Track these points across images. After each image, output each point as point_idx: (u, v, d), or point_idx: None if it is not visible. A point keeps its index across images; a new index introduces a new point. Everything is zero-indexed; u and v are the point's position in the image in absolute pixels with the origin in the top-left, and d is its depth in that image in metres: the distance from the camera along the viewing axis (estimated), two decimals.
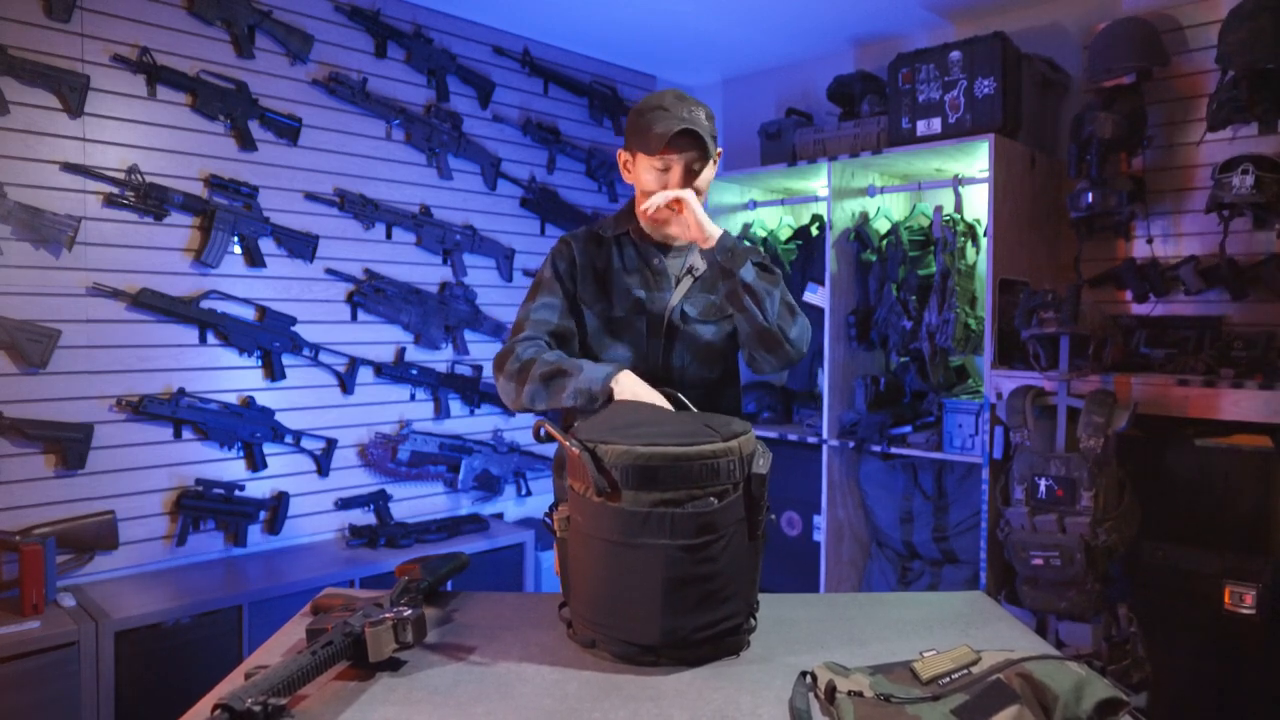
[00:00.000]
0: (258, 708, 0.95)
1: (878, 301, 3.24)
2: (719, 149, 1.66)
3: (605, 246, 1.69)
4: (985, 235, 2.96)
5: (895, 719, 1.02)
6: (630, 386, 1.44)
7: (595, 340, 1.66)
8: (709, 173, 1.61)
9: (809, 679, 1.14)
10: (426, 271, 3.49)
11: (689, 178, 1.57)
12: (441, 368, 3.54)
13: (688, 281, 1.66)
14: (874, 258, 3.26)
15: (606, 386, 1.43)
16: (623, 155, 1.65)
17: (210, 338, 2.90)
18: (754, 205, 3.81)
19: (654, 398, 1.44)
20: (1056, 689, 1.01)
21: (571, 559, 1.30)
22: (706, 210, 1.64)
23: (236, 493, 2.96)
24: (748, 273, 1.53)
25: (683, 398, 1.49)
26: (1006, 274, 2.87)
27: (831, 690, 1.08)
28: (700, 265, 1.66)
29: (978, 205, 3.17)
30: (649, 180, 1.58)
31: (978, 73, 2.91)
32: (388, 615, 1.17)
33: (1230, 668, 2.39)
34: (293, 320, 3.08)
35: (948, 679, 1.08)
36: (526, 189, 3.81)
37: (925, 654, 1.15)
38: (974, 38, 2.94)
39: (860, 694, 1.07)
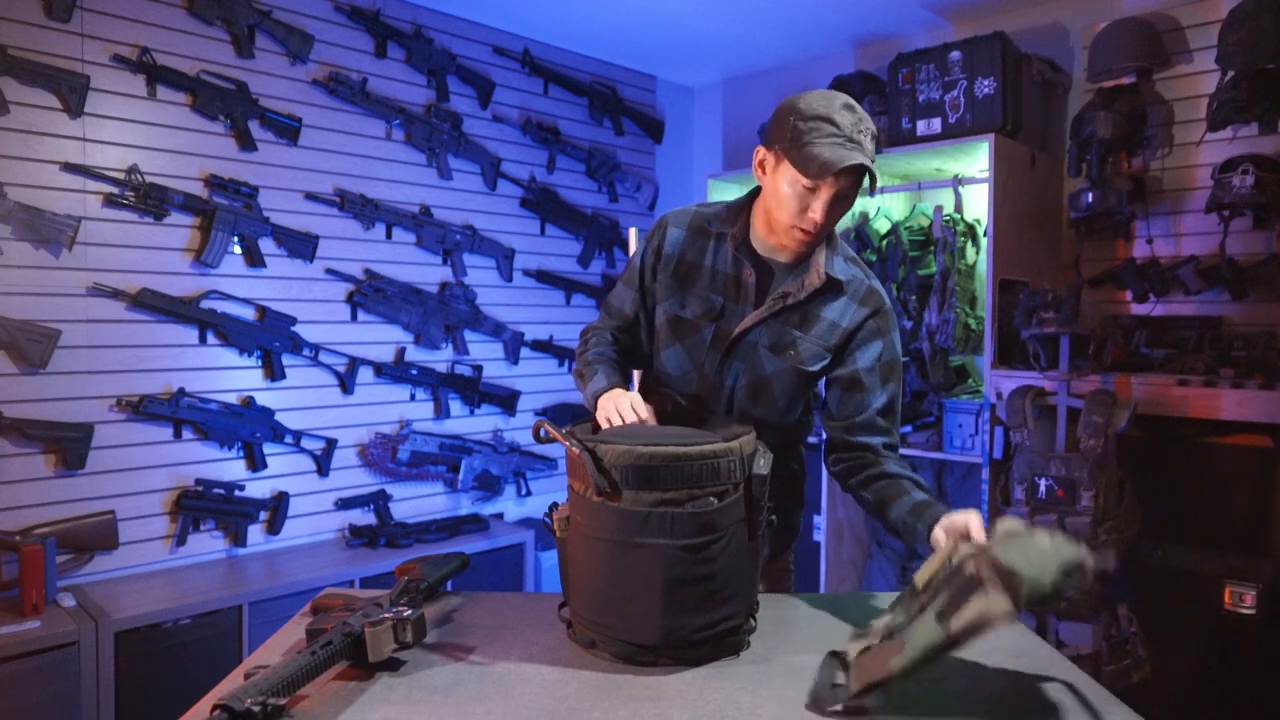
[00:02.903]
0: (257, 708, 0.95)
1: None
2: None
3: (704, 239, 1.53)
4: (985, 235, 2.96)
5: (885, 653, 1.05)
6: (611, 400, 1.40)
7: (661, 335, 1.55)
8: (853, 200, 1.43)
9: (835, 659, 1.15)
10: (426, 271, 3.49)
11: (839, 204, 1.39)
12: (441, 368, 3.54)
13: (773, 306, 1.46)
14: (874, 258, 3.26)
15: (594, 402, 1.44)
16: (761, 153, 1.44)
17: (210, 338, 2.90)
18: None
19: (634, 407, 1.36)
20: (1022, 571, 1.02)
21: (571, 559, 1.30)
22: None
23: (236, 493, 2.96)
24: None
25: (680, 399, 1.48)
26: (1006, 274, 2.87)
27: (845, 660, 1.11)
28: (797, 294, 1.45)
29: (978, 205, 3.17)
30: (790, 195, 1.38)
31: (978, 73, 2.90)
32: (387, 615, 1.17)
33: (1230, 668, 2.39)
34: (293, 320, 3.08)
35: (935, 579, 1.11)
36: (526, 189, 3.81)
37: (912, 566, 1.17)
38: (974, 38, 2.94)
39: (868, 647, 1.09)
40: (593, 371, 1.50)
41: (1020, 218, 2.95)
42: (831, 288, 1.47)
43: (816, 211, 1.38)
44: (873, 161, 1.36)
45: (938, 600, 1.06)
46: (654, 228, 1.57)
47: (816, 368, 1.49)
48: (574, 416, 3.94)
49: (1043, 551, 1.05)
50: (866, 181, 1.38)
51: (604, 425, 1.35)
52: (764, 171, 1.44)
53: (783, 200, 1.40)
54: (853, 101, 1.39)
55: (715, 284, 1.51)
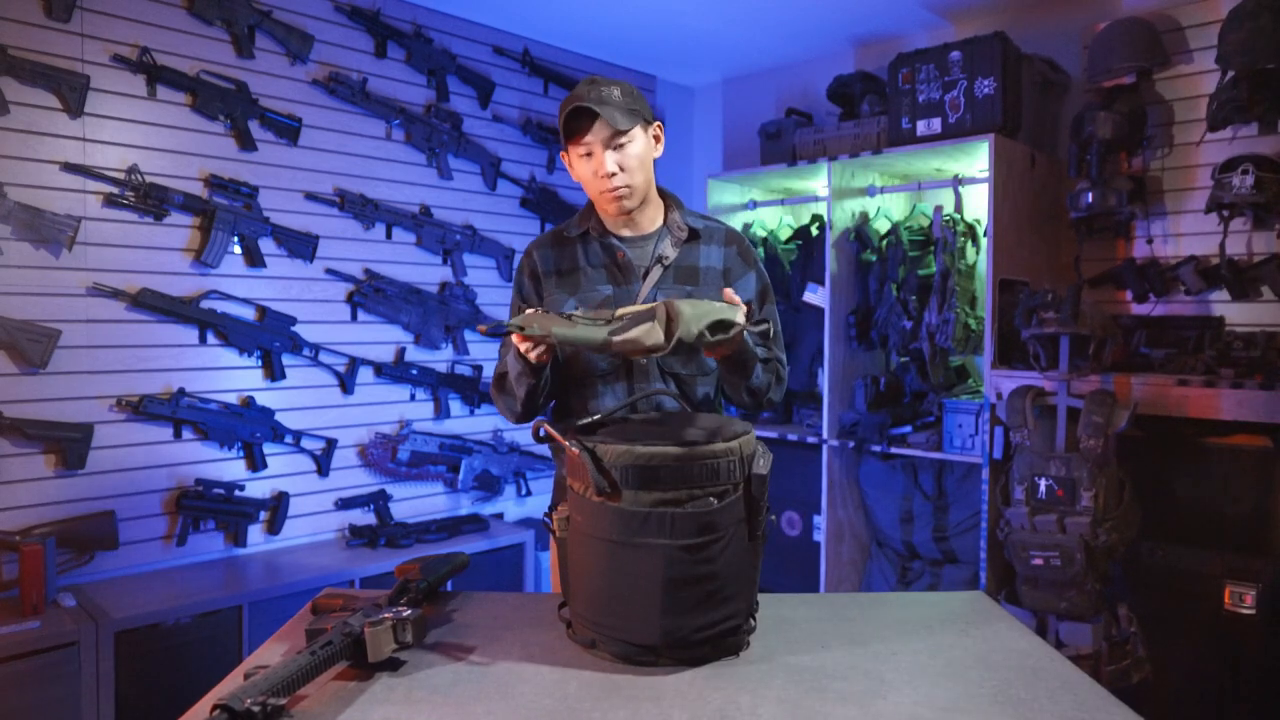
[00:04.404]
0: (257, 708, 0.95)
1: (878, 301, 3.24)
2: (657, 122, 1.63)
3: (570, 246, 1.67)
4: (985, 235, 2.96)
5: (553, 320, 1.30)
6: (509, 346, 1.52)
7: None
8: (638, 147, 1.57)
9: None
10: (426, 271, 3.49)
11: (616, 152, 1.55)
12: (441, 368, 3.54)
13: (657, 272, 1.62)
14: (874, 258, 3.26)
15: (519, 361, 1.50)
16: (565, 157, 1.63)
17: (210, 338, 2.90)
18: (754, 205, 3.81)
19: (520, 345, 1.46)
20: (684, 316, 1.23)
21: (571, 559, 1.30)
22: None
23: (236, 493, 2.96)
24: (757, 377, 1.57)
25: (681, 398, 1.49)
26: (1006, 274, 2.87)
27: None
28: (670, 254, 1.63)
29: (978, 205, 3.17)
30: (583, 171, 1.58)
31: (978, 73, 2.91)
32: (387, 615, 1.17)
33: (1230, 668, 2.39)
34: (293, 320, 3.08)
35: (627, 318, 1.28)
36: (526, 189, 3.81)
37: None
38: (974, 38, 2.94)
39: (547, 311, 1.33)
40: (504, 362, 1.60)
41: (1020, 218, 2.95)
42: (693, 238, 1.66)
43: (600, 165, 1.56)
44: (624, 109, 1.53)
45: (620, 322, 1.26)
46: (520, 262, 1.73)
47: None
48: None
49: (707, 309, 1.26)
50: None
51: (521, 346, 1.43)
52: (573, 171, 1.63)
53: (583, 176, 1.60)
54: (598, 77, 1.58)
55: (598, 277, 1.65)
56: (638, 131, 1.57)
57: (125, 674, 2.38)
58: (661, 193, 1.69)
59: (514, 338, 1.42)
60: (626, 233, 1.66)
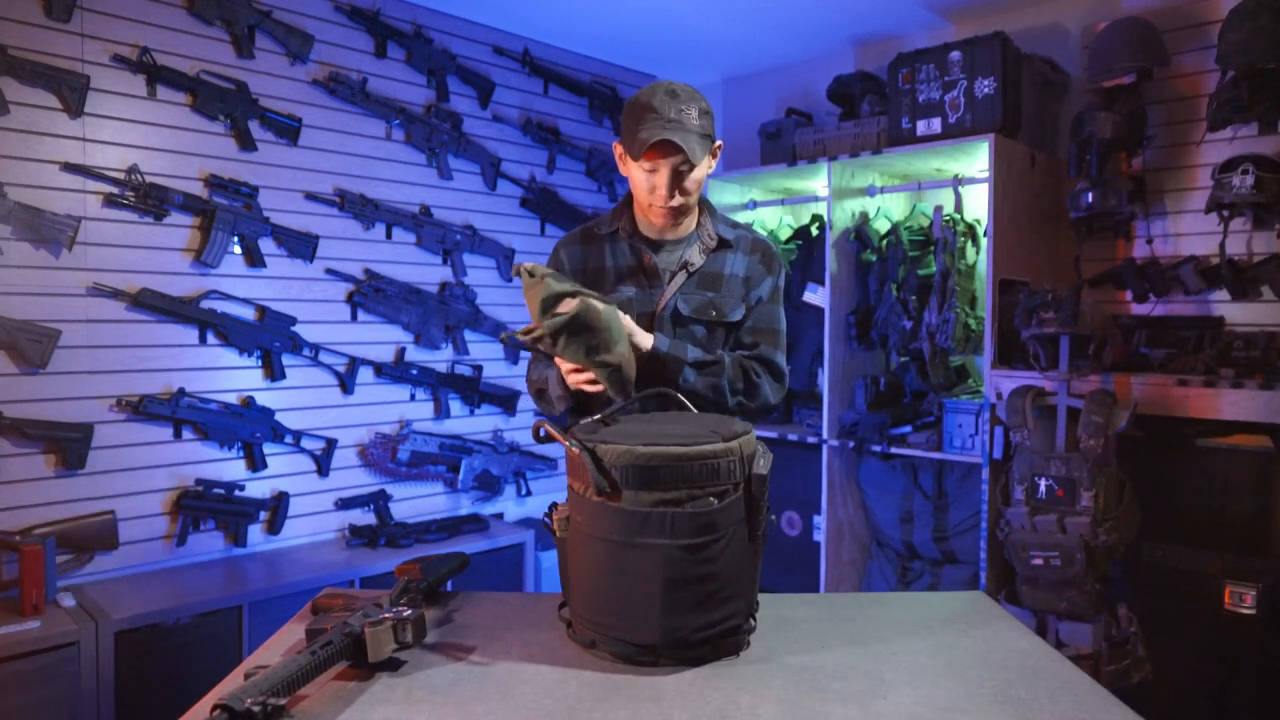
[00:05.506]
0: (257, 708, 0.95)
1: (878, 301, 3.24)
2: (718, 142, 1.63)
3: (599, 244, 1.70)
4: (985, 235, 2.96)
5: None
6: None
7: None
8: (701, 171, 1.59)
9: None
10: (426, 271, 3.49)
11: (677, 179, 1.57)
12: (441, 368, 3.54)
13: (681, 277, 1.65)
14: (874, 258, 3.26)
15: (560, 386, 1.56)
16: (618, 148, 1.64)
17: (210, 338, 2.90)
18: (754, 205, 3.81)
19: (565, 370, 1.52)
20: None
21: (571, 559, 1.30)
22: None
23: (236, 493, 2.96)
24: (687, 381, 1.57)
25: (682, 397, 1.49)
26: (1006, 274, 2.87)
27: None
28: (696, 260, 1.65)
29: (978, 205, 3.17)
30: (639, 178, 1.59)
31: (978, 73, 2.91)
32: (387, 615, 1.17)
33: (1230, 668, 2.39)
34: (293, 320, 3.08)
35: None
36: (526, 189, 3.81)
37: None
38: (974, 38, 2.94)
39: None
40: (543, 377, 1.64)
41: (1020, 218, 2.95)
42: (723, 246, 1.68)
43: (660, 187, 1.56)
44: (703, 135, 1.54)
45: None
46: (549, 261, 1.73)
47: (737, 316, 1.67)
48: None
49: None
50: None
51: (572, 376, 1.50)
52: (624, 163, 1.63)
53: (635, 184, 1.61)
54: (677, 87, 1.55)
55: (622, 278, 1.66)
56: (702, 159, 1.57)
57: (125, 674, 2.38)
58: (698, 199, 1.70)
59: (563, 370, 1.49)
60: (657, 238, 1.68)
